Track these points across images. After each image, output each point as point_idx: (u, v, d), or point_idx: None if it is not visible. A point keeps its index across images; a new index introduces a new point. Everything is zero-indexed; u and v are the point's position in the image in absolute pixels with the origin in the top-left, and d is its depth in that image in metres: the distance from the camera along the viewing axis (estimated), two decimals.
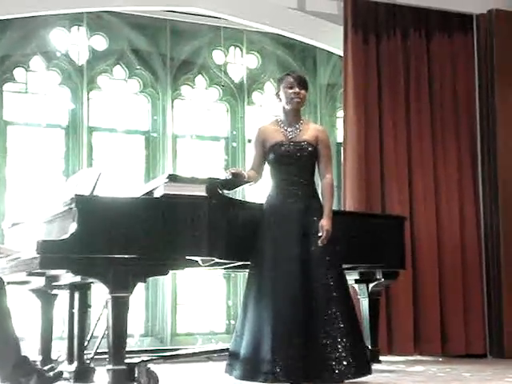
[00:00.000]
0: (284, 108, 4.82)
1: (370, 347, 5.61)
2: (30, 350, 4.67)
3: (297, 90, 4.75)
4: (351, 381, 4.52)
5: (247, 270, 4.80)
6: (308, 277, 4.57)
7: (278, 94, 4.85)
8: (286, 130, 4.80)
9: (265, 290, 4.58)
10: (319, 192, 4.82)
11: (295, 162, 4.74)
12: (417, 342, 6.70)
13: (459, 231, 6.97)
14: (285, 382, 4.41)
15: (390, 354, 6.50)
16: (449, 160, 7.06)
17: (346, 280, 4.81)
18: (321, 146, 4.79)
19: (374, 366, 5.44)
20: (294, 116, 4.82)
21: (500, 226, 6.96)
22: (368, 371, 4.64)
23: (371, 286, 5.78)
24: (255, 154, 4.85)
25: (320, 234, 4.60)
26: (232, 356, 4.64)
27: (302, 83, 4.80)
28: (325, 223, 4.63)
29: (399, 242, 5.78)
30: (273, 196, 4.78)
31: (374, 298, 5.82)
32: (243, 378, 4.54)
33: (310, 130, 4.82)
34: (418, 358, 6.63)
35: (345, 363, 4.46)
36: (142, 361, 4.16)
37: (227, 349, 4.78)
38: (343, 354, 4.47)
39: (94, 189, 4.25)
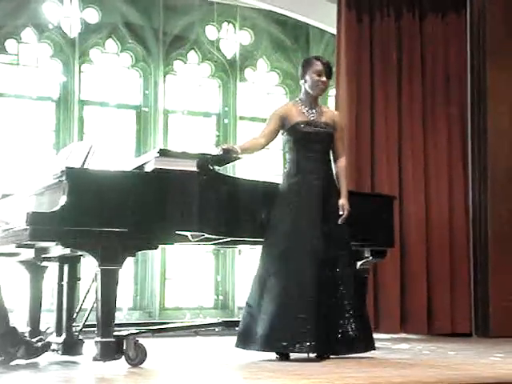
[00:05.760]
0: (306, 91, 4.90)
1: None
2: (19, 321, 4.69)
3: (324, 79, 4.85)
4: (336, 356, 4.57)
5: (236, 246, 4.82)
6: (326, 252, 4.66)
7: (303, 76, 4.88)
8: (308, 112, 4.89)
9: (289, 266, 4.62)
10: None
11: (318, 141, 4.86)
12: (403, 320, 6.75)
13: (448, 211, 7.00)
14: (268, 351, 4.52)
15: (376, 332, 6.53)
16: (439, 140, 7.08)
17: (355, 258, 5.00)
18: (338, 128, 4.96)
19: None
20: (315, 100, 4.94)
21: (488, 206, 6.99)
22: (373, 347, 4.75)
23: (359, 264, 5.79)
24: (268, 124, 4.89)
25: (341, 213, 4.76)
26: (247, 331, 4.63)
27: (330, 73, 4.89)
28: (345, 202, 4.81)
29: (388, 221, 5.78)
30: (292, 173, 4.85)
31: (361, 277, 5.81)
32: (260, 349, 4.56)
33: (327, 113, 4.97)
34: (404, 336, 6.68)
35: (352, 338, 4.60)
36: (131, 334, 4.17)
37: (215, 323, 4.81)
38: (350, 329, 4.61)
39: (84, 162, 4.25)
